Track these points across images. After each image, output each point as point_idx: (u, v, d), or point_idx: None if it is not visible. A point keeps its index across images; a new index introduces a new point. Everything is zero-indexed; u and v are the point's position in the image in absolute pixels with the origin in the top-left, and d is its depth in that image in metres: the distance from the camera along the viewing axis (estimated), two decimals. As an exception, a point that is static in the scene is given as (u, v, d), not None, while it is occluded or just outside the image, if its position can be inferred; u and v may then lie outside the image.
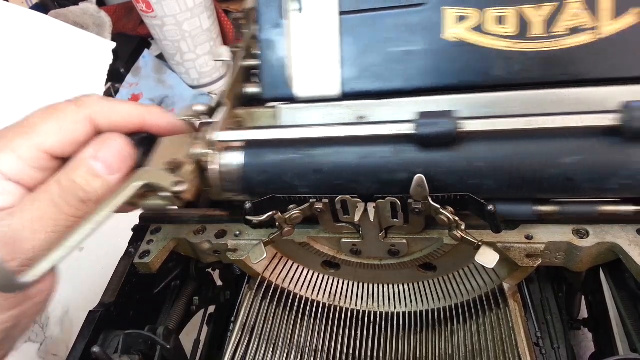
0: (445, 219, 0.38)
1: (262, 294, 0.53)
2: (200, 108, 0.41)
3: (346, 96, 0.43)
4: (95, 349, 0.45)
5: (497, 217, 0.37)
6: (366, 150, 0.37)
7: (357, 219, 0.40)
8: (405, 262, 0.49)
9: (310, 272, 0.55)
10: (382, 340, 0.52)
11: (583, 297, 0.65)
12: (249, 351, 0.51)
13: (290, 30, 0.44)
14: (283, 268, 0.54)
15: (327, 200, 0.40)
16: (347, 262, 0.51)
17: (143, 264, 0.48)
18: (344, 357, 0.51)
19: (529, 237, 0.42)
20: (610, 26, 0.36)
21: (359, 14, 0.42)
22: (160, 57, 1.57)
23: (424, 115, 0.35)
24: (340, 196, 0.39)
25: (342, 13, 0.42)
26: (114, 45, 1.28)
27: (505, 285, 0.47)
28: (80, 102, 0.35)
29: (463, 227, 0.39)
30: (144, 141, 0.38)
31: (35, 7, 1.35)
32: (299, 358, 0.51)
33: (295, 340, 0.52)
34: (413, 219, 0.42)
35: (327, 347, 0.52)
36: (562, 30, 0.37)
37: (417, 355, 0.50)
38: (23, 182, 0.33)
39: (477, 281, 0.49)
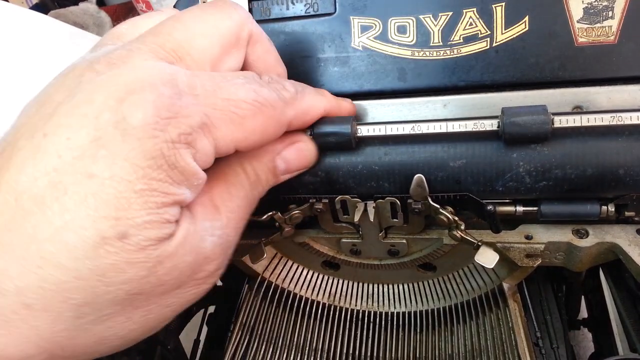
0: (445, 219, 0.38)
1: (262, 294, 0.53)
2: None
3: None
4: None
5: (496, 217, 0.38)
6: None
7: (356, 219, 0.40)
8: (405, 262, 0.49)
9: (310, 272, 0.55)
10: (381, 340, 0.52)
11: (583, 297, 0.65)
12: (249, 351, 0.51)
13: None
14: (283, 268, 0.54)
15: (327, 200, 0.40)
16: (347, 262, 0.51)
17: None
18: (343, 357, 0.51)
19: (528, 237, 0.42)
20: (503, 34, 0.39)
21: (269, 23, 0.43)
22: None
23: (319, 120, 0.37)
24: (340, 196, 0.39)
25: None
26: (114, 45, 1.28)
27: (505, 285, 0.47)
28: (288, 102, 0.32)
29: (463, 227, 0.39)
30: None
31: (35, 7, 1.35)
32: (298, 358, 0.51)
33: (295, 340, 0.52)
34: (413, 219, 0.42)
35: (327, 347, 0.52)
36: (458, 39, 0.39)
37: (417, 355, 0.50)
38: None
39: (476, 281, 0.49)
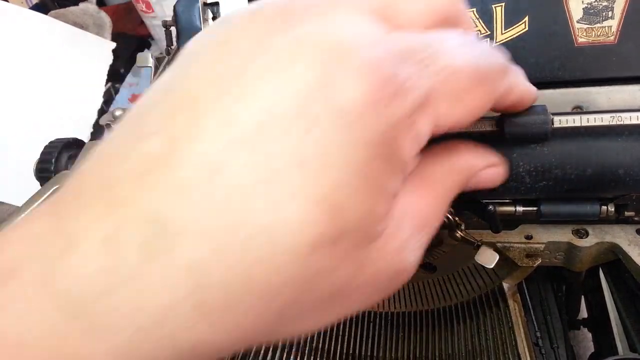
0: (445, 219, 0.38)
1: (262, 294, 0.53)
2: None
3: None
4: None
5: (496, 217, 0.38)
6: None
7: (356, 219, 0.40)
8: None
9: (310, 272, 0.55)
10: (381, 340, 0.52)
11: (583, 297, 0.65)
12: (249, 351, 0.51)
13: None
14: (283, 268, 0.54)
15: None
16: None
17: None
18: (343, 356, 0.51)
19: (528, 237, 0.42)
20: (503, 34, 0.39)
21: None
22: (161, 57, 1.57)
23: None
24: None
25: None
26: (114, 45, 1.28)
27: (505, 285, 0.47)
28: (505, 73, 0.26)
29: (463, 227, 0.39)
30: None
31: (35, 7, 1.35)
32: (298, 358, 0.51)
33: (295, 340, 0.52)
34: (413, 219, 0.42)
35: (326, 347, 0.52)
36: None
37: (417, 355, 0.50)
38: None
39: (476, 281, 0.49)
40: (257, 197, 0.18)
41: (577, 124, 0.33)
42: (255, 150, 0.18)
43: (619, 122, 0.32)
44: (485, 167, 0.29)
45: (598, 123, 0.32)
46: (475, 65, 0.23)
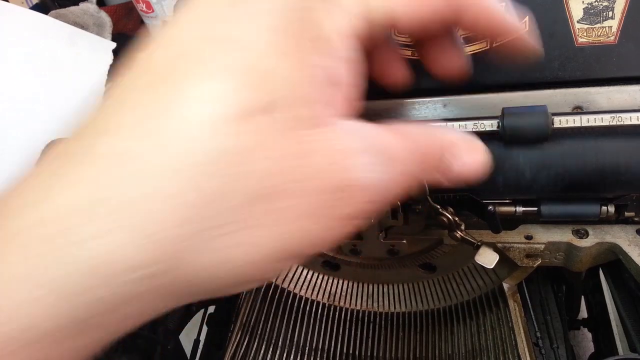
0: (445, 219, 0.38)
1: (262, 294, 0.53)
2: None
3: None
4: (95, 348, 0.45)
5: (496, 217, 0.38)
6: None
7: (356, 219, 0.40)
8: (405, 262, 0.49)
9: (310, 272, 0.55)
10: (381, 340, 0.52)
11: (583, 297, 0.65)
12: (249, 351, 0.51)
13: None
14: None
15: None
16: (347, 262, 0.51)
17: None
18: (343, 356, 0.51)
19: (528, 237, 0.42)
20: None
21: None
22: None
23: None
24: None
25: None
26: (114, 45, 1.28)
27: (505, 286, 0.47)
28: None
29: (463, 227, 0.39)
30: None
31: (35, 7, 1.35)
32: (298, 358, 0.51)
33: (295, 340, 0.52)
34: (413, 219, 0.42)
35: (327, 347, 0.52)
36: None
37: (417, 355, 0.50)
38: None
39: (476, 281, 0.49)
40: (186, 76, 0.18)
41: (577, 124, 0.33)
42: (180, 38, 0.19)
43: (619, 122, 0.32)
44: (467, 149, 0.25)
45: (598, 123, 0.32)
46: None
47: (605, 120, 0.32)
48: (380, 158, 0.22)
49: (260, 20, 0.19)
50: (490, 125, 0.34)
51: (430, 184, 0.26)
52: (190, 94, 0.18)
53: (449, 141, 0.26)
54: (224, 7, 0.19)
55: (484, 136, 0.35)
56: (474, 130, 0.34)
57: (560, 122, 0.33)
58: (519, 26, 0.28)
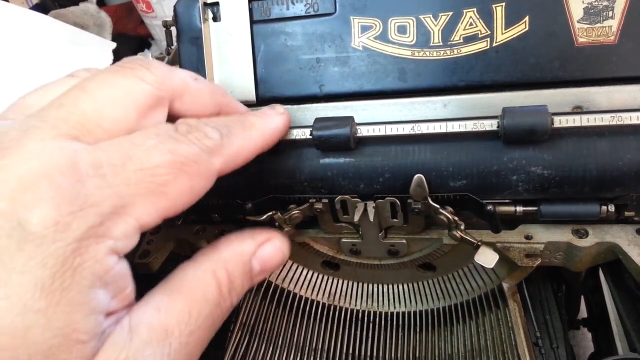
0: (445, 219, 0.38)
1: (262, 294, 0.53)
2: None
3: (261, 102, 0.44)
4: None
5: (496, 217, 0.38)
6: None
7: (356, 218, 0.40)
8: (405, 262, 0.49)
9: (310, 272, 0.55)
10: (381, 339, 0.52)
11: (583, 297, 0.65)
12: (249, 351, 0.51)
13: (206, 39, 0.45)
14: (283, 268, 0.54)
15: (326, 201, 0.40)
16: (347, 262, 0.51)
17: (143, 263, 0.48)
18: (343, 356, 0.51)
19: (528, 237, 0.42)
20: (503, 34, 0.39)
21: (269, 23, 0.43)
22: (161, 57, 1.57)
23: (318, 120, 0.37)
24: (340, 196, 0.39)
25: (253, 22, 0.44)
26: (114, 45, 1.28)
27: (505, 285, 0.47)
28: (213, 151, 0.28)
29: (462, 227, 0.39)
30: None
31: (35, 7, 1.35)
32: (298, 358, 0.51)
33: (295, 339, 0.52)
34: (412, 219, 0.42)
35: (327, 347, 0.52)
36: (459, 39, 0.39)
37: (417, 355, 0.50)
38: None
39: (476, 281, 0.49)
40: None
41: (577, 124, 0.33)
42: None
43: (619, 122, 0.32)
44: (257, 246, 0.31)
45: (598, 123, 0.32)
46: (171, 158, 0.25)
47: (605, 119, 0.32)
48: (157, 348, 0.25)
49: (25, 278, 0.20)
50: (490, 125, 0.34)
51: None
52: None
53: (238, 258, 0.30)
54: None
55: (484, 136, 0.35)
56: (473, 130, 0.34)
57: (560, 121, 0.33)
58: (278, 135, 0.34)
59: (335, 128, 0.35)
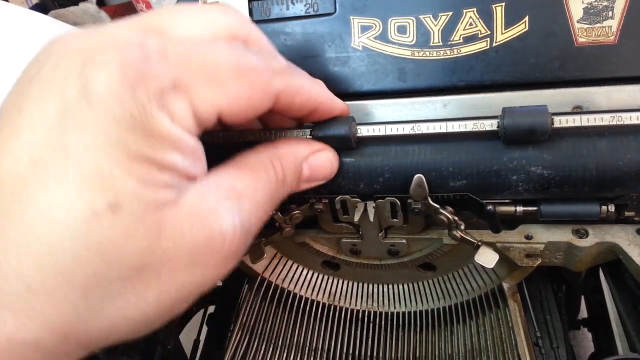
0: (445, 219, 0.38)
1: (262, 294, 0.53)
2: None
3: None
4: (95, 348, 0.45)
5: (496, 217, 0.38)
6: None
7: (356, 218, 0.40)
8: (405, 262, 0.49)
9: (310, 272, 0.55)
10: (381, 339, 0.52)
11: (583, 297, 0.65)
12: (249, 351, 0.51)
13: None
14: (283, 268, 0.54)
15: (326, 200, 0.40)
16: (347, 262, 0.51)
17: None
18: (343, 356, 0.51)
19: (528, 237, 0.42)
20: (503, 34, 0.39)
21: (269, 23, 0.43)
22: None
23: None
24: (340, 196, 0.39)
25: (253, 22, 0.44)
26: (114, 45, 1.28)
27: (505, 285, 0.47)
28: (277, 72, 0.29)
29: (462, 227, 0.39)
30: None
31: (35, 7, 1.35)
32: (298, 358, 0.51)
33: (295, 340, 0.52)
34: (412, 219, 0.42)
35: (327, 347, 0.52)
36: (458, 39, 0.39)
37: (417, 355, 0.50)
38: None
39: (476, 281, 0.49)
40: (34, 186, 0.22)
41: (577, 123, 0.33)
42: (34, 148, 0.22)
43: (619, 122, 0.32)
44: (310, 153, 0.33)
45: (598, 123, 0.32)
46: (237, 61, 0.26)
47: (605, 119, 0.32)
48: (233, 202, 0.27)
49: (98, 132, 0.23)
50: (490, 125, 0.34)
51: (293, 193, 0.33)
52: (41, 203, 0.22)
53: (292, 156, 0.32)
54: (54, 125, 0.23)
55: (484, 135, 0.35)
56: (473, 130, 0.34)
57: (560, 121, 0.33)
58: (338, 105, 0.35)
59: (335, 128, 0.35)
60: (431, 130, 0.35)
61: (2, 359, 0.23)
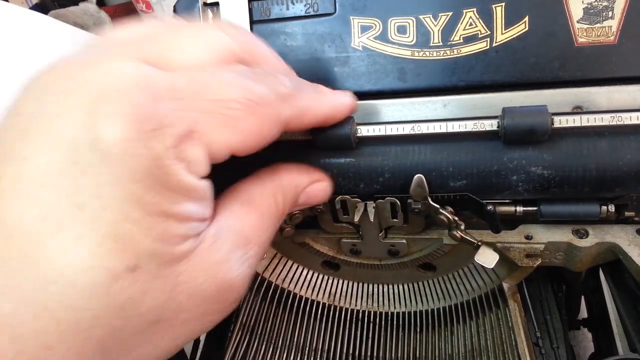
0: (445, 219, 0.38)
1: (262, 294, 0.53)
2: None
3: None
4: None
5: (496, 217, 0.38)
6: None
7: (356, 219, 0.40)
8: (405, 262, 0.49)
9: (310, 272, 0.55)
10: (381, 340, 0.52)
11: (583, 297, 0.65)
12: (249, 351, 0.51)
13: None
14: (283, 268, 0.54)
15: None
16: (347, 262, 0.51)
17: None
18: (343, 356, 0.51)
19: (528, 237, 0.42)
20: (503, 34, 0.39)
21: (269, 23, 0.43)
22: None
23: None
24: (340, 196, 0.39)
25: (253, 22, 0.44)
26: (114, 45, 1.27)
27: (505, 285, 0.47)
28: (284, 98, 0.28)
29: (462, 227, 0.39)
30: None
31: (35, 7, 1.35)
32: (298, 358, 0.51)
33: (295, 340, 0.52)
34: (413, 219, 0.42)
35: (327, 347, 0.52)
36: (458, 39, 0.39)
37: (417, 355, 0.50)
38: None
39: (476, 281, 0.49)
40: (48, 245, 0.21)
41: (577, 124, 0.33)
42: (45, 204, 0.21)
43: (619, 122, 0.32)
44: (309, 183, 0.34)
45: (598, 123, 0.32)
46: (247, 95, 0.26)
47: (606, 119, 0.32)
48: (242, 249, 0.27)
49: (114, 191, 0.21)
50: (490, 125, 0.34)
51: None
52: (57, 264, 0.21)
53: (292, 188, 0.32)
54: (65, 182, 0.21)
55: (484, 136, 0.35)
56: (473, 130, 0.34)
57: (560, 121, 0.33)
58: (342, 108, 0.34)
59: (335, 127, 0.35)
60: (431, 130, 0.35)
61: None
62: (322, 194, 0.35)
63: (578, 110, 0.39)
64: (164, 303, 0.24)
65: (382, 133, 0.36)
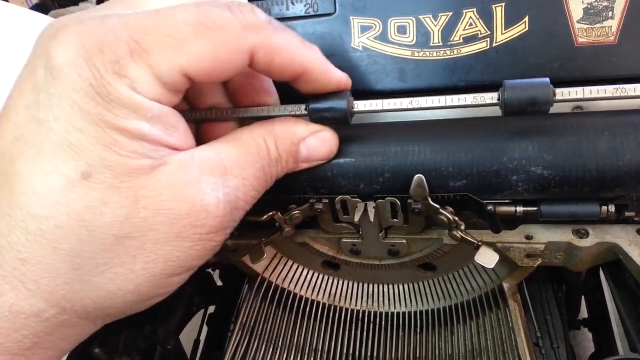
0: (445, 219, 0.38)
1: (262, 294, 0.53)
2: None
3: None
4: (95, 349, 0.45)
5: (496, 217, 0.38)
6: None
7: (356, 219, 0.40)
8: (405, 262, 0.49)
9: (310, 272, 0.55)
10: (381, 340, 0.52)
11: (583, 297, 0.65)
12: (249, 351, 0.51)
13: None
14: (283, 268, 0.54)
15: (327, 200, 0.40)
16: (347, 262, 0.51)
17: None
18: (343, 357, 0.51)
19: (528, 237, 0.42)
20: (503, 34, 0.39)
21: None
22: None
23: (314, 95, 0.35)
24: (340, 196, 0.39)
25: None
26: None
27: (505, 285, 0.47)
28: (250, 27, 0.27)
29: (463, 227, 0.39)
30: None
31: (35, 7, 1.35)
32: (298, 358, 0.51)
33: (295, 340, 0.52)
34: (413, 219, 0.42)
35: (327, 347, 0.52)
36: (458, 39, 0.39)
37: (417, 355, 0.50)
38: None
39: (476, 281, 0.49)
40: (18, 159, 0.24)
41: (580, 95, 0.32)
42: (16, 125, 0.25)
43: (622, 94, 0.32)
44: (308, 134, 0.33)
45: (601, 95, 0.32)
46: (199, 17, 0.26)
47: (609, 92, 0.31)
48: (217, 176, 0.28)
49: (62, 103, 0.24)
50: (490, 98, 0.33)
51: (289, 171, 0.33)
52: (24, 177, 0.24)
53: (288, 135, 0.32)
54: (29, 102, 0.25)
55: (485, 134, 0.35)
56: (474, 103, 0.34)
57: (563, 94, 0.32)
58: (334, 74, 0.33)
59: (331, 101, 0.34)
60: (429, 104, 0.34)
61: (8, 329, 0.24)
62: (327, 144, 0.34)
63: (578, 110, 0.39)
64: (127, 217, 0.25)
65: (379, 107, 0.35)
